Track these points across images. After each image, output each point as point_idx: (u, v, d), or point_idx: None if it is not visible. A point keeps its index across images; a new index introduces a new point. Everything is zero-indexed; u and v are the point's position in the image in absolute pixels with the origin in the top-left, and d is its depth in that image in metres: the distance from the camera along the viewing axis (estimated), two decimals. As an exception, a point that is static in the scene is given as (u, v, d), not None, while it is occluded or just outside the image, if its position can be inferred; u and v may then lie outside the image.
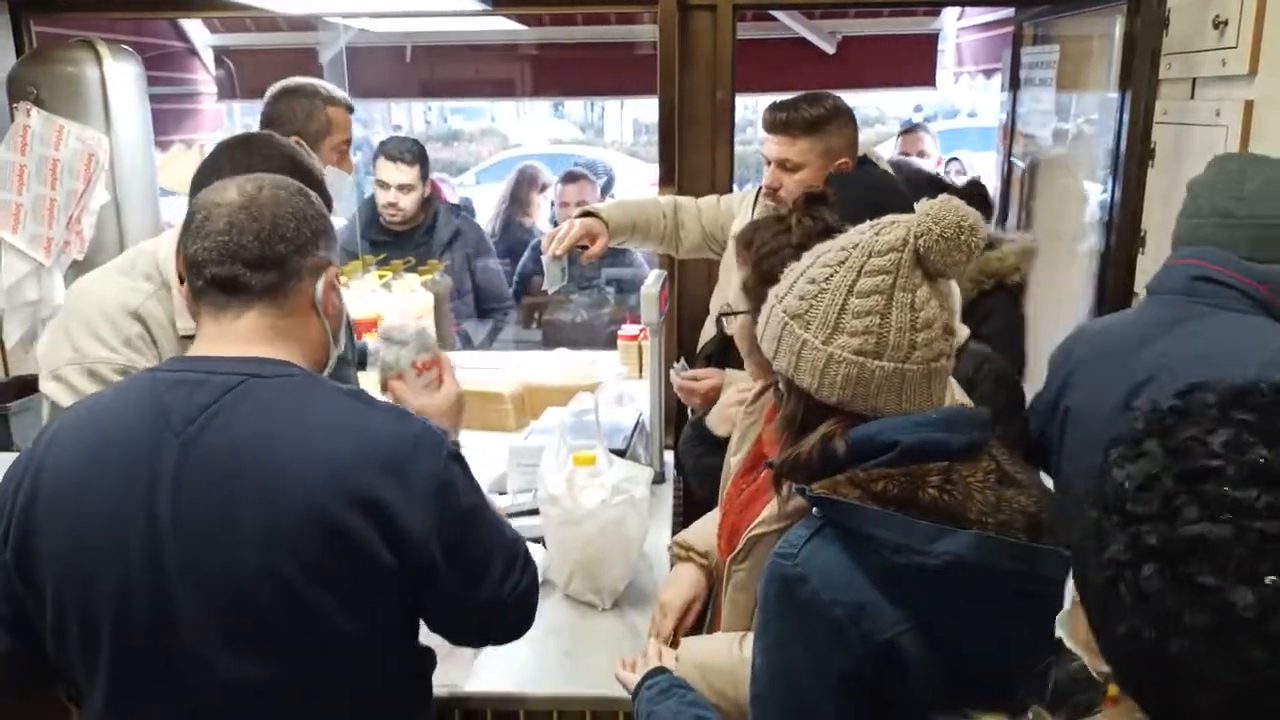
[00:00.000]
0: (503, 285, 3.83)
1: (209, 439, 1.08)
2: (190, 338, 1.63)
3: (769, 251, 1.42)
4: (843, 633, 1.00)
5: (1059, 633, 0.77)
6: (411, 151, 3.42)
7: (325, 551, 1.07)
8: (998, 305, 2.49)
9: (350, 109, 2.25)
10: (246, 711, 1.11)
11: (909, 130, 4.86)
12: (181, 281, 1.25)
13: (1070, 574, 0.75)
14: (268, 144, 1.63)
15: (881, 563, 1.00)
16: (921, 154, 4.52)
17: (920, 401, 1.10)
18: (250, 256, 1.15)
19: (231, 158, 1.56)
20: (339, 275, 1.26)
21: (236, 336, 1.16)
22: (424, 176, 3.48)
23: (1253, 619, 0.59)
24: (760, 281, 1.40)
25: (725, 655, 1.38)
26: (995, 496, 1.03)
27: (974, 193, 2.74)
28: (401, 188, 3.43)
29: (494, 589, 1.21)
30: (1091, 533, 0.68)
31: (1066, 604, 0.76)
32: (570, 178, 4.27)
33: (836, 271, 1.09)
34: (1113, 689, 0.72)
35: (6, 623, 1.17)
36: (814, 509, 1.05)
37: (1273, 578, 0.59)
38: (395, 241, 3.47)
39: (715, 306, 2.38)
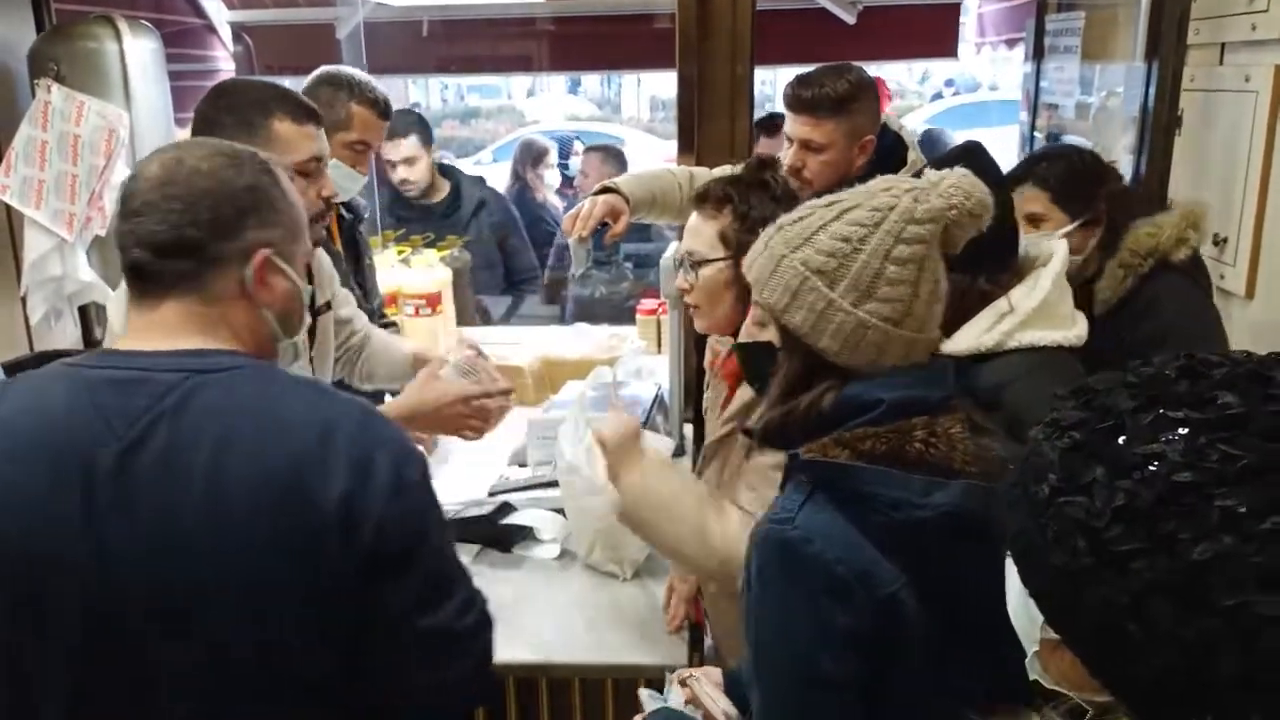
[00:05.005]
0: (531, 258, 3.84)
1: (152, 446, 0.97)
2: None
3: (757, 202, 1.50)
4: (848, 590, 1.01)
5: (1032, 676, 0.74)
6: (405, 124, 3.46)
7: (277, 564, 0.98)
8: (1162, 290, 1.85)
9: (383, 114, 2.21)
10: None
11: None
12: None
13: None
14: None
15: (881, 520, 1.01)
16: None
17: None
18: (161, 243, 1.04)
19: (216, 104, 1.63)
20: (279, 254, 1.11)
21: (163, 328, 1.05)
22: (425, 143, 3.52)
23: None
24: (744, 231, 1.48)
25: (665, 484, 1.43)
26: (975, 446, 1.05)
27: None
28: (406, 161, 3.47)
29: (449, 620, 1.08)
30: (1069, 577, 0.65)
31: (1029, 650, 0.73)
32: (593, 149, 4.29)
33: (872, 233, 1.06)
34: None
35: None
36: (803, 474, 1.06)
37: None
38: (420, 217, 3.50)
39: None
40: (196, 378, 1.01)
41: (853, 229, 1.06)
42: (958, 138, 5.25)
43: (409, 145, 3.42)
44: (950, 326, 1.61)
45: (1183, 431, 0.62)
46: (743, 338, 1.24)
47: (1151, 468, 0.62)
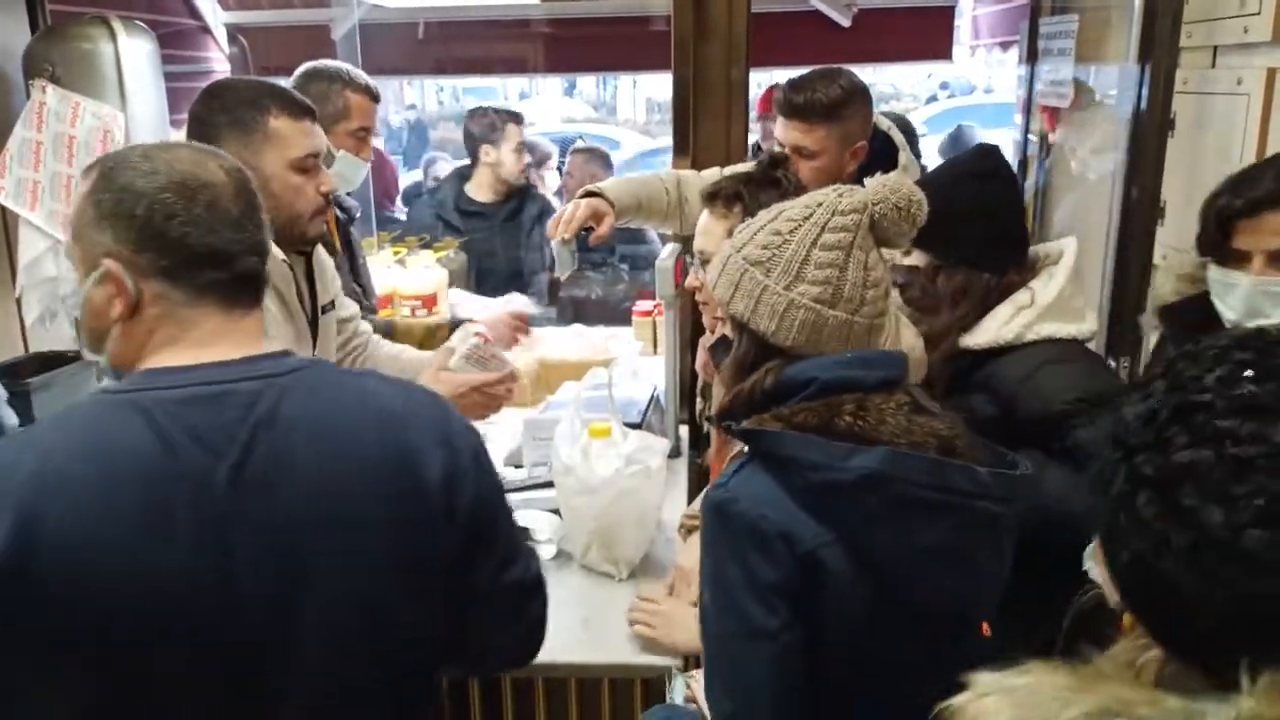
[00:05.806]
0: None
1: (257, 456, 0.97)
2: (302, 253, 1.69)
3: (768, 200, 1.49)
4: (770, 545, 1.09)
5: (1085, 565, 0.81)
6: (517, 118, 3.61)
7: (395, 550, 1.02)
8: None
9: (375, 98, 2.24)
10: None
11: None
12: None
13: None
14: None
15: (802, 482, 1.09)
16: None
17: None
18: (264, 247, 1.07)
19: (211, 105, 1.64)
20: None
21: (243, 335, 1.05)
22: None
23: (1225, 537, 0.63)
24: None
25: None
26: (907, 421, 1.12)
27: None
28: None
29: (522, 573, 1.16)
30: (1104, 470, 0.72)
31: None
32: (578, 151, 4.32)
33: (801, 225, 1.17)
34: (1127, 618, 0.75)
35: None
36: (744, 446, 1.16)
37: (1248, 499, 0.62)
38: (483, 214, 3.55)
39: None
40: (274, 382, 1.02)
41: (785, 224, 1.19)
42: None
43: (521, 131, 3.55)
44: (975, 322, 1.65)
45: (1230, 367, 0.69)
46: (716, 337, 1.30)
47: (1191, 386, 0.69)
